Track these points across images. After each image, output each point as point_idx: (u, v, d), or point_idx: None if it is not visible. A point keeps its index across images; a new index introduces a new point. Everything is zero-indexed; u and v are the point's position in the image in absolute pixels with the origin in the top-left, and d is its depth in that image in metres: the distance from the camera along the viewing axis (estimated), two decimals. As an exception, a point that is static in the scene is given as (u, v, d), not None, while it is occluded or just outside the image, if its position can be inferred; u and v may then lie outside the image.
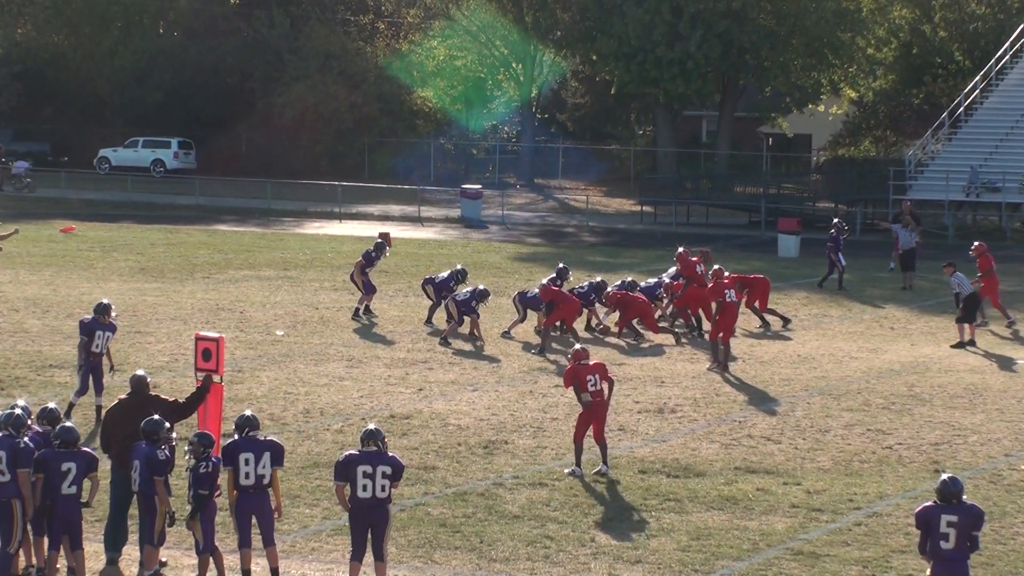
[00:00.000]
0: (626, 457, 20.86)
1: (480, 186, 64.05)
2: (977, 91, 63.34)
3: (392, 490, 15.09)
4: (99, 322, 22.25)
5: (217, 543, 15.37)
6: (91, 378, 22.30)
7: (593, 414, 20.05)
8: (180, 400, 16.79)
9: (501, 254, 47.74)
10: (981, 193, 57.98)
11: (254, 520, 15.39)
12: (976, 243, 35.39)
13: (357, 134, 75.89)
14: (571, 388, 20.29)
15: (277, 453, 15.40)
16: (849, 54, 69.78)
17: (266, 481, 15.29)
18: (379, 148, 76.57)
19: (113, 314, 22.64)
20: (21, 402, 16.32)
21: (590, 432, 20.06)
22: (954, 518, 13.77)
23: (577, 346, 21.11)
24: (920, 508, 14.11)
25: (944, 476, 14.21)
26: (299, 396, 24.26)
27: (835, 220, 41.44)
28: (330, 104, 74.74)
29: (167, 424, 15.46)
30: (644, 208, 63.13)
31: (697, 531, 17.62)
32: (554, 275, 31.99)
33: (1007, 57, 64.48)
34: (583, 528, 17.66)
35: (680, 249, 33.16)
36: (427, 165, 76.01)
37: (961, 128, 62.56)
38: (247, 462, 15.21)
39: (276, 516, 15.52)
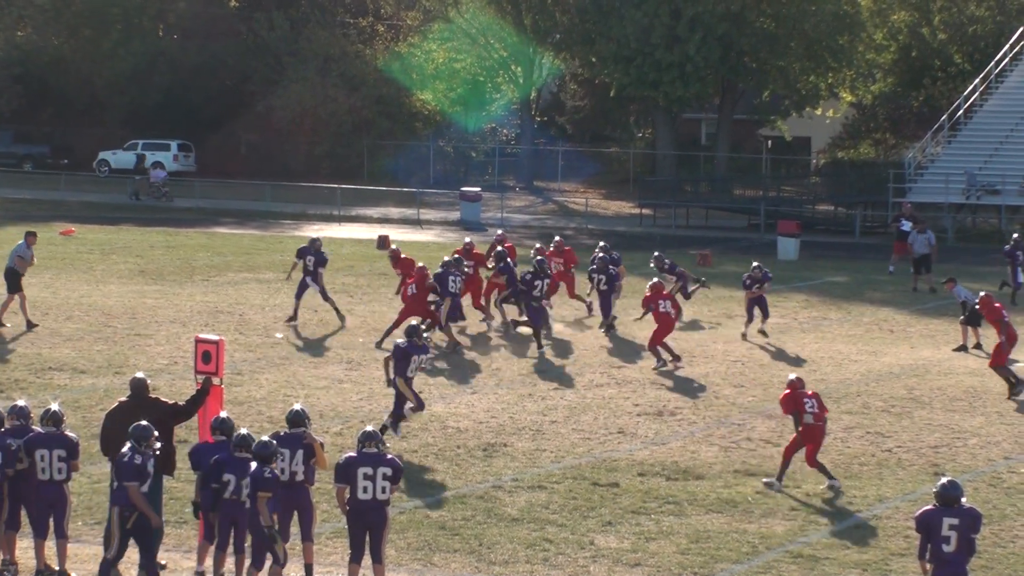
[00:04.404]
0: (625, 460, 20.86)
1: (479, 189, 63.99)
2: (976, 93, 63.32)
3: (392, 493, 15.12)
4: None
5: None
6: None
7: (810, 436, 19.74)
8: (180, 403, 16.78)
9: (500, 256, 47.61)
10: (981, 196, 57.97)
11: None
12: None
13: (356, 136, 75.83)
14: (789, 414, 20.04)
15: (309, 451, 15.46)
16: (848, 57, 69.77)
17: (299, 478, 15.38)
18: (378, 150, 76.52)
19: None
20: (55, 405, 16.14)
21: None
22: (955, 521, 13.80)
23: (793, 376, 20.48)
24: (920, 512, 14.11)
25: (944, 480, 14.22)
26: (298, 398, 24.14)
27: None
28: (329, 106, 74.70)
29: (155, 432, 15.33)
30: (643, 211, 63.09)
31: (696, 534, 17.62)
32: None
33: (1006, 60, 64.47)
34: (582, 531, 17.66)
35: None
36: (426, 167, 75.99)
37: (961, 131, 62.53)
38: (282, 459, 15.36)
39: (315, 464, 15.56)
